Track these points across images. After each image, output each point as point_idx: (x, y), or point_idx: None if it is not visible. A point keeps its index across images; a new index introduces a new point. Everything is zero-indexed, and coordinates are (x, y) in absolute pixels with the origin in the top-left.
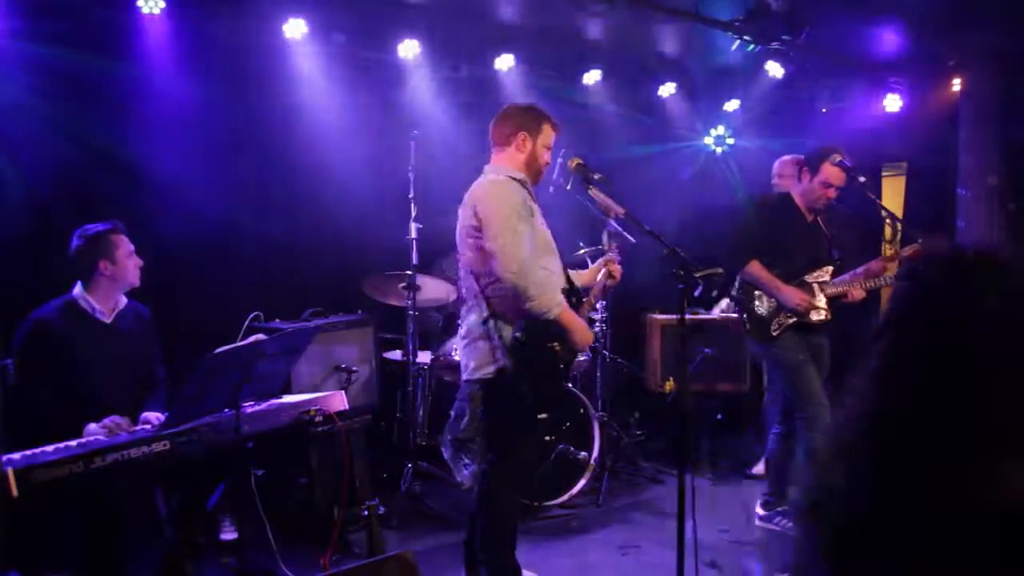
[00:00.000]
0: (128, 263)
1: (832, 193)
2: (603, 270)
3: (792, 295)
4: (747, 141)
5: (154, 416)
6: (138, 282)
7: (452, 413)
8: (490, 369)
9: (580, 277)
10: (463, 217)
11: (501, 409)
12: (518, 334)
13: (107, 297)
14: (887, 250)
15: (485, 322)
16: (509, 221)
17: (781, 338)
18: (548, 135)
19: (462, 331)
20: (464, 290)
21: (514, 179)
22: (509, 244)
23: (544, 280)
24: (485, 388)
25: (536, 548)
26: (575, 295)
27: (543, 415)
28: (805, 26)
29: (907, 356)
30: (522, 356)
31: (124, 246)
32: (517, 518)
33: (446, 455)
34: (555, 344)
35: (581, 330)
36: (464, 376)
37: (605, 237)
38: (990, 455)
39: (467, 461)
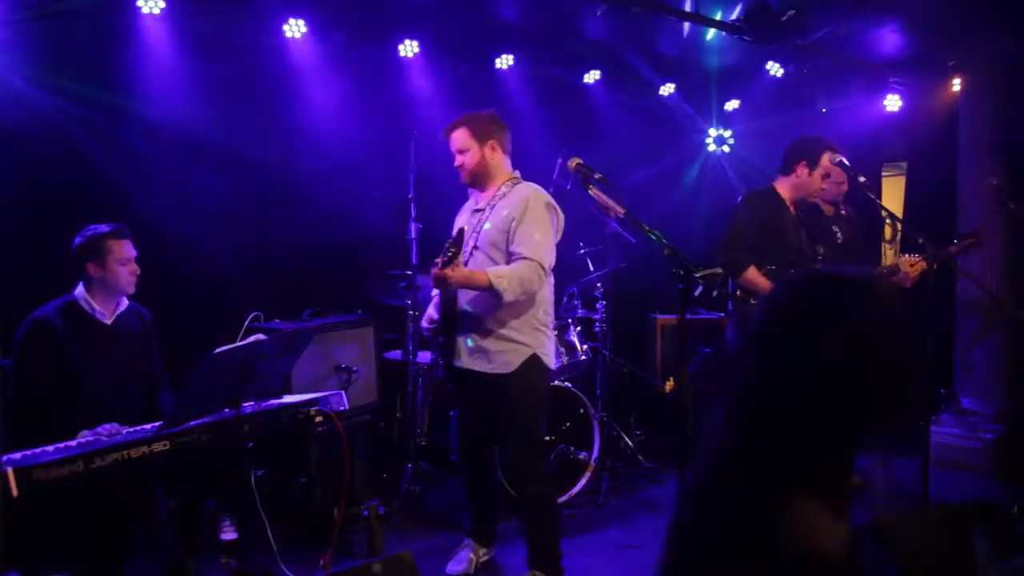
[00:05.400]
0: (119, 270)
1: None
2: None
3: None
4: (747, 141)
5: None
6: (131, 290)
7: None
8: None
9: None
10: None
11: None
12: None
13: (106, 299)
14: (887, 250)
15: None
16: None
17: None
18: None
19: None
20: None
21: None
22: None
23: None
24: None
25: None
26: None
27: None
28: (806, 26)
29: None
30: None
31: (119, 252)
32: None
33: None
34: None
35: None
36: None
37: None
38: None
39: None
